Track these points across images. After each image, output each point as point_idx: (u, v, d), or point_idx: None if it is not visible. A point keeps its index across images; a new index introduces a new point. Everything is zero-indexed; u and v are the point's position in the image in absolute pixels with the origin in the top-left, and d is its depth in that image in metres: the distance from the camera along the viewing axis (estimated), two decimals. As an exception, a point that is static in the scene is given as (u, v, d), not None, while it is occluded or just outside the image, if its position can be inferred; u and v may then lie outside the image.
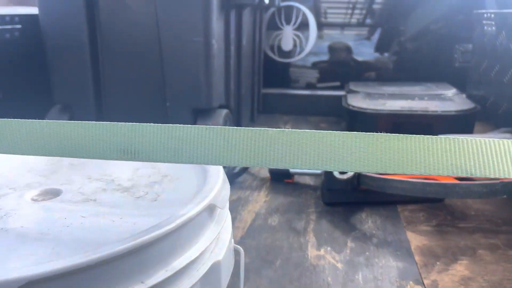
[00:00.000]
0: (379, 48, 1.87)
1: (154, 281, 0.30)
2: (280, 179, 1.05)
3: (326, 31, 1.84)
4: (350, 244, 0.77)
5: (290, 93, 1.79)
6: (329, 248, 0.75)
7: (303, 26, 1.72)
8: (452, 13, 1.73)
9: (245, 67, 1.21)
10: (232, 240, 0.41)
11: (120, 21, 0.94)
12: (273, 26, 1.71)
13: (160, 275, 0.30)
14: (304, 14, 1.70)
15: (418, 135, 0.33)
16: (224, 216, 0.39)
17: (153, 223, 0.32)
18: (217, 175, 0.40)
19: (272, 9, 1.65)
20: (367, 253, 0.74)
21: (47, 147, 0.32)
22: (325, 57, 1.82)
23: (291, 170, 1.03)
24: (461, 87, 1.46)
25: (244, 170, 1.08)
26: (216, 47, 0.93)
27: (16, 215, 0.35)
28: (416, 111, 1.15)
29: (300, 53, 1.73)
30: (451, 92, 1.39)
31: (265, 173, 1.08)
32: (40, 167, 0.46)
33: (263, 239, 0.78)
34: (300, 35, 1.72)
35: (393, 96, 1.33)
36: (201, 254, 0.34)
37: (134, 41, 0.95)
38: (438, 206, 0.91)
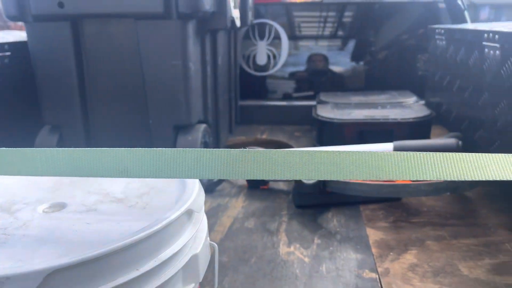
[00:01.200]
0: (351, 58, 2.00)
1: (146, 269, 0.39)
2: (256, 186, 1.15)
3: (301, 43, 1.96)
4: (316, 241, 0.87)
5: (267, 104, 1.90)
6: (298, 245, 0.85)
7: (276, 41, 1.84)
8: (417, 25, 1.87)
9: (221, 84, 1.31)
10: (208, 238, 0.51)
11: (104, 47, 1.03)
12: (248, 42, 1.82)
13: (150, 264, 0.40)
14: (276, 30, 1.81)
15: (355, 151, 0.43)
16: (200, 218, 0.49)
17: (144, 226, 0.41)
18: (194, 186, 0.49)
19: (246, 27, 1.76)
20: (331, 248, 0.84)
21: (63, 169, 0.41)
22: (300, 68, 1.94)
23: (266, 178, 1.13)
24: (422, 95, 1.60)
25: (223, 179, 1.18)
26: (193, 69, 1.03)
27: (33, 224, 0.44)
28: (378, 119, 1.27)
29: (274, 66, 1.85)
30: (411, 100, 1.52)
31: (243, 181, 1.18)
32: (45, 185, 0.55)
33: (240, 241, 0.88)
34: (273, 49, 1.83)
35: (358, 106, 1.45)
36: (182, 248, 0.44)
37: (117, 66, 1.04)
38: (395, 204, 1.02)
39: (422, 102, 1.51)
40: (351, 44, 1.99)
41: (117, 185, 0.54)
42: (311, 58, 1.93)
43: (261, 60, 1.82)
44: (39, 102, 1.08)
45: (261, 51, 1.81)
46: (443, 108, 1.31)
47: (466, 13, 1.58)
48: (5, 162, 0.43)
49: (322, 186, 0.98)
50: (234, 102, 1.60)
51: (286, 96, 1.95)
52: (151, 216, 0.45)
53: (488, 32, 0.98)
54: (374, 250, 0.83)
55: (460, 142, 0.99)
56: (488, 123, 0.97)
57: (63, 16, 1.00)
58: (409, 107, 1.41)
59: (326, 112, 1.36)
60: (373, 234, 0.89)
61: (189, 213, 0.46)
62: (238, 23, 1.28)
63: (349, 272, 0.76)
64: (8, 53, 1.12)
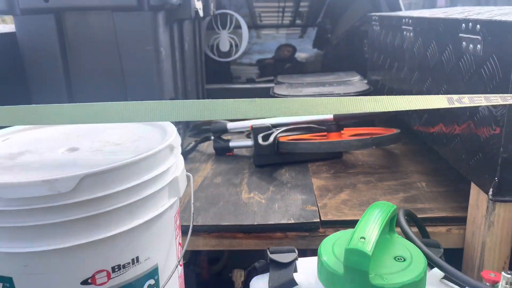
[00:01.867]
0: (309, 45, 2.21)
1: (142, 181, 0.58)
2: (223, 153, 1.34)
3: (263, 32, 2.15)
4: (272, 189, 1.08)
5: (232, 87, 2.09)
6: (256, 192, 1.06)
7: (238, 30, 2.03)
8: (365, 13, 2.09)
9: (189, 67, 1.49)
10: (185, 170, 0.70)
11: (86, 36, 1.19)
12: (212, 31, 2.00)
13: (145, 177, 0.59)
14: (237, 20, 2.00)
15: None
16: (179, 153, 0.68)
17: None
18: (172, 131, 0.68)
19: (209, 17, 1.93)
20: (282, 192, 1.05)
21: (82, 118, 0.59)
22: (262, 55, 2.14)
23: (231, 145, 1.33)
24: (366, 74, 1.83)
25: (193, 149, 1.37)
26: (164, 53, 1.21)
27: (58, 158, 0.62)
28: (325, 94, 1.49)
29: (236, 53, 2.03)
30: (355, 78, 1.75)
31: (211, 150, 1.37)
32: (60, 137, 0.72)
33: (210, 192, 1.07)
34: (235, 37, 2.02)
35: (309, 85, 1.66)
36: (166, 170, 0.63)
37: (98, 52, 1.20)
38: (337, 161, 1.24)
39: (365, 80, 1.74)
40: (308, 32, 2.20)
41: (114, 136, 0.72)
42: (273, 45, 2.13)
43: (224, 47, 2.01)
44: (28, 85, 1.22)
45: (224, 39, 2.00)
46: (379, 84, 1.54)
47: (400, 1, 1.82)
48: (37, 114, 0.61)
49: (276, 148, 1.19)
50: (201, 85, 1.78)
51: (250, 80, 2.14)
52: (143, 151, 0.64)
53: (405, 17, 1.21)
54: (316, 192, 1.05)
55: (385, 108, 1.23)
56: (407, 93, 1.21)
57: (47, 9, 1.14)
58: (352, 84, 1.63)
59: (281, 90, 1.57)
60: (317, 182, 1.11)
61: (170, 148, 0.65)
62: (201, 13, 1.46)
63: (295, 207, 0.97)
64: (-5, 44, 1.26)
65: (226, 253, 1.26)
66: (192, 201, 0.68)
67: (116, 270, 0.58)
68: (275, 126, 1.22)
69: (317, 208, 0.96)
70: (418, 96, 0.61)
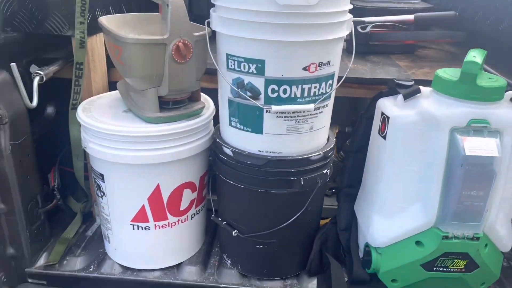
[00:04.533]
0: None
1: (343, 9, 0.93)
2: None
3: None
4: (369, 64, 1.43)
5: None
6: (358, 64, 1.41)
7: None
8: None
9: None
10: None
11: None
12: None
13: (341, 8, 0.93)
14: None
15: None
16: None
17: None
18: None
19: None
20: (378, 66, 1.41)
21: None
22: None
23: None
24: None
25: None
26: None
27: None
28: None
29: None
30: None
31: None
32: None
33: (322, 62, 1.43)
34: None
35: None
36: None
37: None
38: (411, 54, 1.59)
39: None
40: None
41: None
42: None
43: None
44: None
45: None
46: None
47: None
48: None
49: (369, 38, 1.53)
50: None
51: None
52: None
53: None
54: (403, 67, 1.40)
55: (457, 13, 1.56)
56: None
57: None
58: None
59: None
60: (401, 63, 1.46)
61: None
62: None
63: (392, 72, 1.33)
64: None
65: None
66: (353, 38, 1.04)
67: (320, 65, 0.95)
68: (368, 22, 1.56)
69: (408, 73, 1.32)
70: None
